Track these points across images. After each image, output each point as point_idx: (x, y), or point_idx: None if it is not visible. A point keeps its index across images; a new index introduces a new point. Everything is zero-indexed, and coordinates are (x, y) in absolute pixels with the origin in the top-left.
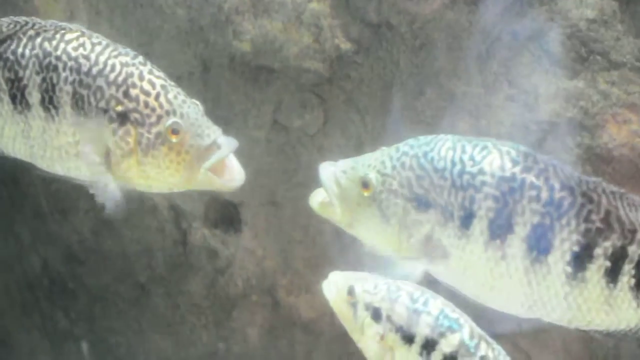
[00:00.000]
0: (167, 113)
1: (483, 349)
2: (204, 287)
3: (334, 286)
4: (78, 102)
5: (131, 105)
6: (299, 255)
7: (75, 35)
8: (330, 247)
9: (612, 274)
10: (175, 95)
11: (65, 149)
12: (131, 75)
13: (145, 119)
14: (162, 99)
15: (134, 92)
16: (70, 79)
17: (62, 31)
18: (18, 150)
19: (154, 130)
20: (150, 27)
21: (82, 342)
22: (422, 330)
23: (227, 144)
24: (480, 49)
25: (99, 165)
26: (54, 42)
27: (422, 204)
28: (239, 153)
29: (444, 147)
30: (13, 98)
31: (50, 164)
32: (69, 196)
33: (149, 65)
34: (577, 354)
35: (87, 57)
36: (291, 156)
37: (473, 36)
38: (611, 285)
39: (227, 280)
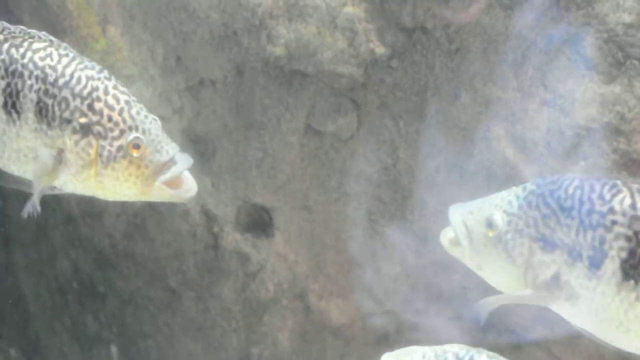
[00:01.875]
0: (130, 128)
1: None
2: (235, 291)
3: None
4: (42, 110)
5: (95, 118)
6: (330, 260)
7: (43, 45)
8: (362, 253)
9: None
10: (138, 111)
11: (23, 152)
12: (96, 89)
13: (108, 133)
14: (125, 114)
15: (98, 105)
16: (36, 87)
17: (30, 39)
18: None
19: (116, 143)
20: (184, 31)
21: (112, 345)
22: None
23: (183, 161)
24: (516, 54)
25: (48, 172)
26: (21, 50)
27: (549, 244)
28: (273, 157)
29: (572, 186)
30: None
31: (6, 164)
32: (100, 200)
33: (113, 80)
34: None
35: (53, 68)
36: (324, 161)
37: (509, 40)
38: None
39: (258, 284)
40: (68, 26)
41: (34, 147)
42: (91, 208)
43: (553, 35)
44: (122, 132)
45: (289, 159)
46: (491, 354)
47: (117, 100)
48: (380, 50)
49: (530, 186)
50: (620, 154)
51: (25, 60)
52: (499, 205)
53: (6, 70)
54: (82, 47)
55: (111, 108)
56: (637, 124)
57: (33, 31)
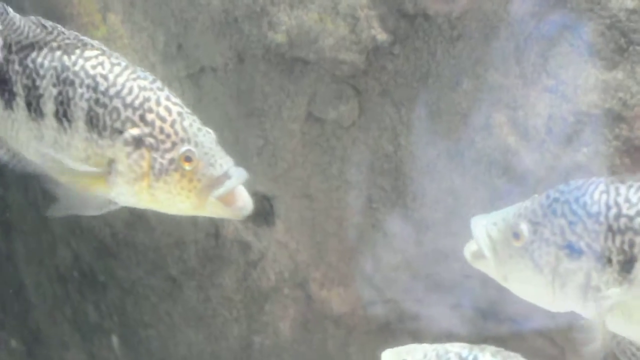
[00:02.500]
0: (182, 140)
1: None
2: (236, 280)
3: None
4: (93, 120)
5: (147, 129)
6: (332, 249)
7: (95, 53)
8: (363, 241)
9: None
10: (191, 124)
11: (74, 161)
12: (148, 99)
13: (160, 145)
14: (177, 126)
15: (150, 116)
16: (87, 96)
17: (83, 47)
18: (31, 154)
19: (168, 156)
20: (184, 18)
21: (112, 335)
22: None
23: (237, 175)
24: (517, 40)
25: (100, 182)
26: (73, 57)
27: (576, 250)
28: (274, 144)
29: (597, 191)
30: (28, 105)
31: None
32: None
33: (166, 91)
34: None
35: (105, 77)
36: (325, 149)
37: (511, 27)
38: None
39: (259, 273)
40: (69, 13)
41: (85, 157)
42: None
43: (555, 21)
44: (174, 144)
45: (290, 147)
46: (494, 349)
47: (169, 112)
48: (381, 36)
49: (554, 194)
50: (622, 141)
51: (77, 68)
52: (523, 215)
53: (58, 78)
54: (83, 34)
55: (163, 120)
56: None
57: (86, 38)
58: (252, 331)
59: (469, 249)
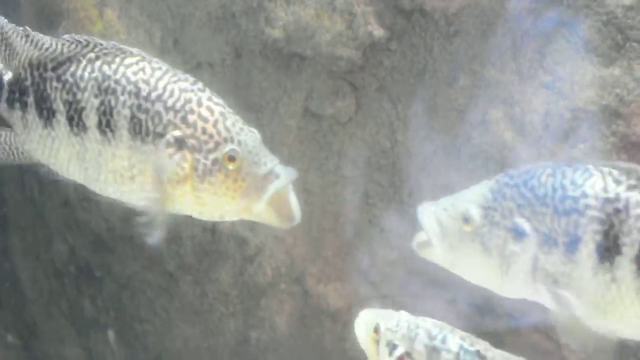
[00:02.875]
0: (225, 140)
1: None
2: (233, 275)
3: (364, 324)
4: (135, 127)
5: (189, 131)
6: (328, 244)
7: (135, 59)
8: (359, 236)
9: None
10: (234, 123)
11: (120, 173)
12: (190, 101)
13: (203, 145)
14: (220, 125)
15: (192, 118)
16: (129, 103)
17: (122, 55)
18: (72, 172)
19: (211, 156)
20: (181, 13)
21: (109, 330)
22: None
23: (285, 174)
24: (514, 36)
25: (152, 192)
26: (114, 66)
27: (524, 233)
28: (271, 140)
29: (545, 174)
30: (70, 120)
31: (103, 187)
32: None
33: (207, 92)
34: None
35: (146, 82)
36: (322, 144)
37: (508, 23)
38: None
39: (256, 268)
40: (65, 9)
41: (130, 166)
42: (88, 191)
43: (552, 17)
44: (217, 144)
45: (287, 142)
46: (464, 334)
47: (212, 112)
48: (378, 32)
49: (503, 178)
50: (619, 137)
51: (118, 76)
52: (474, 200)
53: (99, 88)
54: (79, 30)
55: (205, 120)
56: (636, 107)
57: (125, 47)
58: (249, 326)
59: (417, 240)
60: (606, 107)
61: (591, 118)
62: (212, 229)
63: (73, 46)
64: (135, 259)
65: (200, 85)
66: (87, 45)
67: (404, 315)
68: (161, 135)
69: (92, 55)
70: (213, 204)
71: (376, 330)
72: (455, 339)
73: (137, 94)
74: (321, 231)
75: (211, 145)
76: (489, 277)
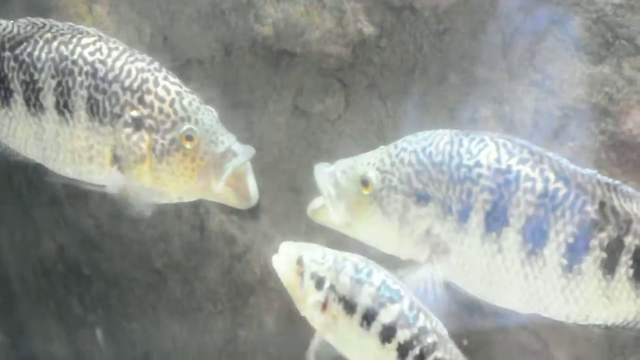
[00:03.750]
0: (182, 119)
1: (422, 320)
2: (221, 273)
3: (285, 256)
4: (93, 107)
5: (146, 111)
6: (317, 242)
7: (92, 39)
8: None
9: (609, 266)
10: (190, 102)
11: (78, 153)
12: (146, 81)
13: (160, 125)
14: (176, 105)
15: (148, 98)
16: (86, 83)
17: (79, 35)
18: (30, 152)
19: (168, 136)
20: (171, 9)
21: (97, 328)
22: (364, 300)
23: (243, 152)
24: (504, 34)
25: (110, 170)
26: (71, 47)
27: (422, 198)
28: (260, 137)
29: (442, 142)
30: (27, 100)
31: (62, 167)
32: None
33: (164, 72)
34: (597, 342)
35: (103, 62)
36: (312, 142)
37: (497, 21)
38: (609, 276)
39: (244, 266)
40: (54, 5)
41: (88, 147)
42: (76, 189)
43: (542, 15)
44: (174, 123)
45: (276, 140)
46: (389, 274)
47: (168, 92)
48: (368, 30)
49: (401, 144)
50: (608, 135)
51: (75, 57)
52: (372, 164)
53: (56, 68)
54: None
55: (162, 100)
56: (625, 105)
57: (81, 27)
58: (237, 324)
59: (312, 207)
60: (595, 105)
61: (580, 116)
62: (200, 227)
63: (30, 27)
64: (124, 257)
65: (156, 64)
66: (43, 27)
67: (327, 249)
68: (119, 116)
69: (49, 35)
70: (171, 184)
71: (299, 262)
72: (380, 274)
73: (95, 75)
74: (310, 229)
75: (168, 124)
76: (386, 240)
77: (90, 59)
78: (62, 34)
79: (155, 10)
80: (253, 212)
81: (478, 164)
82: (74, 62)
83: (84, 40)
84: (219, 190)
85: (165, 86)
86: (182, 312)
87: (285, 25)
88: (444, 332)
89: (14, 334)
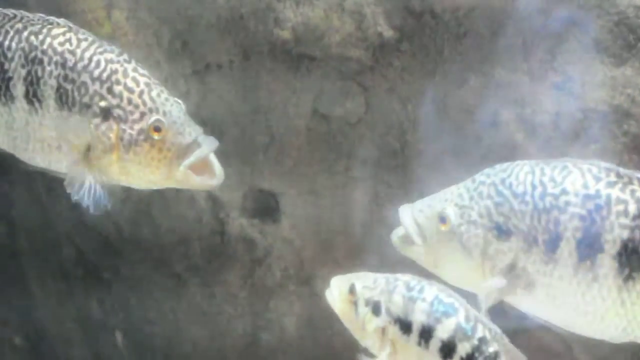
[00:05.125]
0: (150, 110)
1: (480, 331)
2: (241, 277)
3: (337, 289)
4: (62, 97)
5: (114, 101)
6: (338, 246)
7: (62, 30)
8: (370, 237)
9: None
10: (159, 93)
11: (47, 142)
12: (115, 72)
13: (128, 116)
14: (145, 96)
15: (117, 88)
16: (55, 73)
17: (49, 26)
18: (1, 141)
19: (137, 127)
20: (190, 14)
21: (117, 332)
22: (418, 317)
23: (207, 143)
24: (525, 36)
25: (77, 161)
26: (41, 36)
27: (503, 232)
28: (280, 141)
29: (522, 172)
30: None
31: (32, 157)
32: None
33: (133, 63)
34: (621, 345)
35: (72, 53)
36: (332, 145)
37: (518, 23)
38: None
39: (264, 270)
40: (72, 10)
41: (57, 136)
42: None
43: (563, 17)
44: (142, 114)
45: (296, 144)
46: (442, 287)
47: (137, 83)
48: (388, 33)
49: (479, 177)
50: (630, 137)
51: (45, 47)
52: (450, 199)
53: (26, 58)
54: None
55: (131, 91)
56: None
57: (52, 18)
58: (257, 328)
59: (396, 234)
60: (617, 108)
61: (602, 118)
62: (220, 231)
63: (1, 18)
64: (144, 261)
65: (126, 56)
66: (14, 17)
67: (377, 274)
68: (87, 106)
69: (19, 25)
70: (138, 174)
71: (352, 290)
72: (432, 289)
73: (64, 65)
74: (330, 232)
75: (137, 115)
76: (469, 278)
77: (59, 49)
78: (32, 24)
79: (174, 15)
80: (273, 216)
81: (564, 192)
82: (44, 52)
83: (54, 31)
84: (182, 178)
85: (135, 77)
86: (202, 315)
87: (304, 29)
88: (504, 338)
89: (33, 338)
